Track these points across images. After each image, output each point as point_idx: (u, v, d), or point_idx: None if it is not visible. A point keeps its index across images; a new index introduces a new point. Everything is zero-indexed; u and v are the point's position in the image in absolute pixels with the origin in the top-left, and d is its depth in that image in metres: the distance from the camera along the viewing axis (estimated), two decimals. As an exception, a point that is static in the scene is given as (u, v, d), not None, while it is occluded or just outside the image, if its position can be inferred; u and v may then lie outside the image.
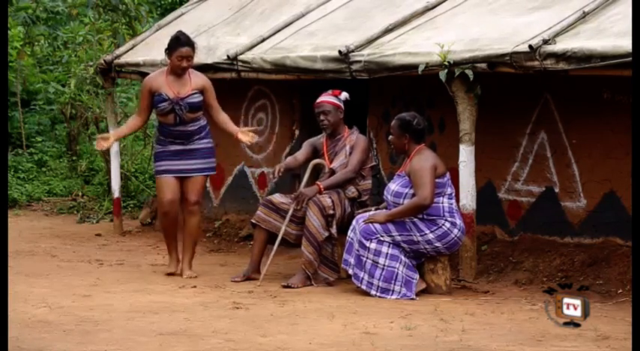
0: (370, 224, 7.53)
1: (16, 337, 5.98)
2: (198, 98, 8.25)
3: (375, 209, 7.86)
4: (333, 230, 7.98)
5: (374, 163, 8.39)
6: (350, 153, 8.19)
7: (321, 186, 8.07)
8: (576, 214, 8.06)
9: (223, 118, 8.42)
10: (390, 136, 7.72)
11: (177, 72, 8.26)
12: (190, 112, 8.22)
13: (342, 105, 8.25)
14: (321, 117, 8.24)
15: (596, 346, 6.02)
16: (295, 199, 8.06)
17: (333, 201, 7.99)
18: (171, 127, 8.26)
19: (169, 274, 8.33)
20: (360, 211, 7.94)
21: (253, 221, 8.23)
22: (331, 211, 7.95)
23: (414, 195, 7.49)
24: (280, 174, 8.23)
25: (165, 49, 8.34)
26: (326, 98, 8.26)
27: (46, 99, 14.85)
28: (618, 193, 7.77)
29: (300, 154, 8.40)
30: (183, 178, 8.31)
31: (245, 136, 8.33)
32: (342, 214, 8.03)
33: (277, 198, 8.21)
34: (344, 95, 8.27)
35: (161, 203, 8.42)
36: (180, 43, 8.25)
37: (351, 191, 8.12)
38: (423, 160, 7.54)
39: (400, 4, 9.10)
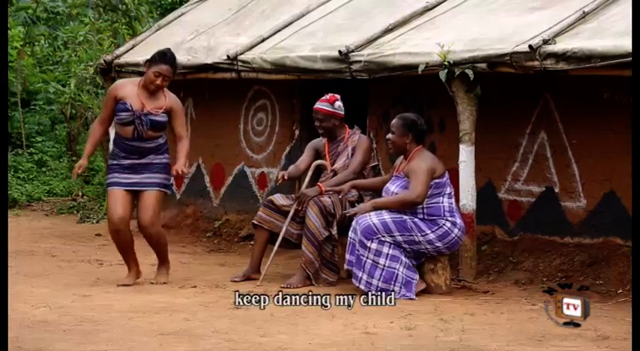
0: (371, 224, 7.52)
1: (16, 337, 5.98)
2: (163, 118, 7.81)
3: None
4: (334, 231, 7.98)
5: (375, 163, 8.39)
6: (352, 154, 8.20)
7: (323, 187, 8.07)
8: (576, 214, 8.05)
9: (180, 148, 7.93)
10: (391, 135, 7.68)
11: (150, 88, 7.79)
12: (152, 129, 7.77)
13: (336, 111, 8.24)
14: (316, 123, 8.30)
15: (596, 346, 6.02)
16: (297, 199, 8.06)
17: (333, 201, 7.99)
18: (127, 140, 7.79)
19: (124, 285, 7.91)
20: (350, 210, 7.80)
21: (255, 222, 8.23)
22: (332, 211, 7.95)
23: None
24: (282, 181, 8.32)
25: (147, 60, 7.92)
26: (320, 105, 8.26)
27: (46, 99, 14.88)
28: (618, 193, 7.77)
29: (302, 162, 8.37)
30: (137, 193, 7.85)
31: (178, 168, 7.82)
32: (343, 215, 8.03)
33: (278, 199, 8.21)
34: (338, 104, 8.25)
35: (110, 220, 7.84)
36: (164, 59, 7.79)
37: (352, 194, 8.10)
38: (422, 160, 7.54)
39: (400, 4, 9.11)
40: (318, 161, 8.33)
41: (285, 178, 8.25)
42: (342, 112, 8.28)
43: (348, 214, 7.75)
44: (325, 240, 7.95)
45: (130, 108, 7.75)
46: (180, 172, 7.84)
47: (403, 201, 7.50)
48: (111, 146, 8.09)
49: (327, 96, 8.28)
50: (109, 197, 7.88)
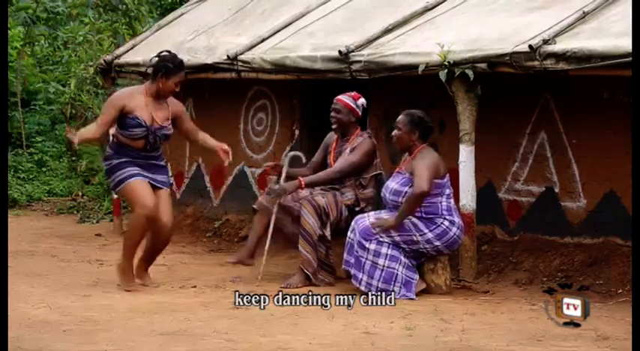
0: (369, 224, 7.51)
1: (16, 337, 5.99)
2: (171, 130, 7.78)
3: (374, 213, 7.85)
4: (327, 232, 7.94)
5: (378, 172, 8.18)
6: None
7: (303, 181, 8.02)
8: (576, 214, 8.05)
9: (204, 136, 8.00)
10: (397, 132, 7.64)
11: (165, 96, 7.73)
12: (163, 142, 7.78)
13: (356, 108, 8.18)
14: (332, 113, 8.19)
15: (596, 346, 6.02)
16: (274, 192, 8.03)
17: (327, 202, 7.96)
18: (137, 151, 7.70)
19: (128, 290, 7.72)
20: (376, 225, 7.65)
21: (255, 207, 8.20)
22: (326, 210, 7.92)
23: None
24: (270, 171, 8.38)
25: (162, 71, 7.68)
26: (342, 97, 8.19)
27: (46, 99, 14.88)
28: (618, 193, 7.77)
29: (315, 160, 8.34)
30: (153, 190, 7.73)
31: (226, 154, 7.89)
32: (338, 216, 7.98)
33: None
34: (360, 101, 8.21)
35: (146, 206, 7.57)
36: (181, 67, 7.76)
37: (347, 197, 8.07)
38: (426, 157, 7.52)
39: (400, 4, 9.11)
40: (293, 152, 8.37)
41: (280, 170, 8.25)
42: (360, 113, 8.22)
43: (376, 231, 7.51)
44: (319, 240, 7.93)
45: (143, 124, 7.62)
46: (226, 150, 7.89)
47: (414, 199, 7.40)
48: (108, 150, 7.86)
49: (353, 92, 8.23)
50: (136, 186, 7.60)
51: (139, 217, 7.69)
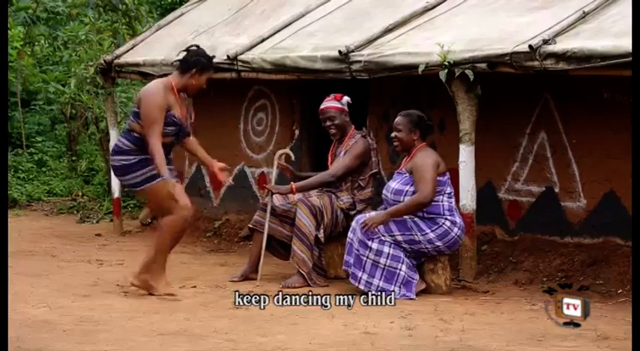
0: (360, 225, 7.50)
1: (16, 337, 5.99)
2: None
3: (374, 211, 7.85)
4: (321, 234, 7.93)
5: (374, 171, 8.17)
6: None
7: (294, 187, 8.02)
8: (576, 214, 8.06)
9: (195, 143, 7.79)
10: (398, 133, 7.61)
11: (192, 92, 7.52)
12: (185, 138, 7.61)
13: (345, 108, 8.20)
14: (327, 123, 8.18)
15: (596, 346, 6.02)
16: (266, 191, 8.08)
17: (322, 203, 7.95)
18: (163, 146, 7.33)
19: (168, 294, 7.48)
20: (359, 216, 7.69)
21: (251, 226, 8.21)
22: (321, 210, 7.91)
23: (414, 193, 7.48)
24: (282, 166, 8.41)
25: (197, 67, 7.41)
26: (329, 104, 8.20)
27: (46, 99, 14.89)
28: (618, 193, 7.77)
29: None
30: None
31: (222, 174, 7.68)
32: (333, 220, 7.97)
33: (274, 200, 8.15)
34: (345, 99, 8.22)
35: (187, 208, 7.34)
36: (212, 64, 7.59)
37: (343, 201, 8.07)
38: (426, 156, 7.52)
39: (400, 4, 9.11)
40: (282, 151, 8.39)
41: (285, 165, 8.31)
42: (348, 109, 8.22)
43: (363, 229, 7.48)
44: (314, 241, 7.92)
45: (177, 122, 7.40)
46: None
47: (414, 205, 7.41)
48: (127, 145, 7.45)
49: (331, 96, 8.24)
50: (175, 187, 7.31)
51: (182, 219, 7.40)
